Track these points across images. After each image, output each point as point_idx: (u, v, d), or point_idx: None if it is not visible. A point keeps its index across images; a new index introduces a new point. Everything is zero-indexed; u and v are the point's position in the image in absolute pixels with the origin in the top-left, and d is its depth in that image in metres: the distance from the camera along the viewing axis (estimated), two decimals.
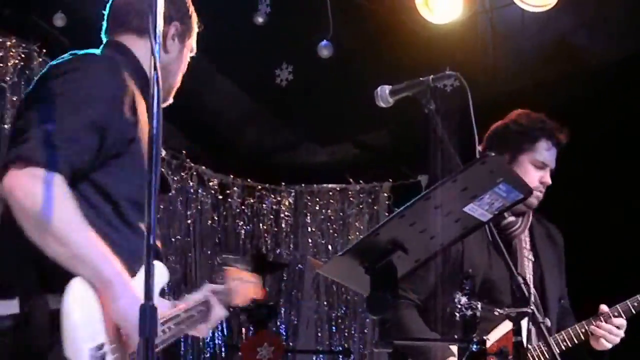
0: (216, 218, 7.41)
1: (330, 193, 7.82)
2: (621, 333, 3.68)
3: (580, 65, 5.71)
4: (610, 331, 3.64)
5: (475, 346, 2.43)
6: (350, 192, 7.82)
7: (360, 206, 7.77)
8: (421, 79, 2.82)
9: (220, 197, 7.42)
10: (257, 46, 5.84)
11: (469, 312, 2.48)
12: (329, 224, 7.81)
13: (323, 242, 7.81)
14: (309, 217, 7.83)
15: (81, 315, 2.23)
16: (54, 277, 2.25)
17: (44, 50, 5.77)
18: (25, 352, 2.24)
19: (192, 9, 2.87)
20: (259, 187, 7.74)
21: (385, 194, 7.56)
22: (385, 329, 2.26)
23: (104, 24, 2.78)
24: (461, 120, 3.27)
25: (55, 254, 2.25)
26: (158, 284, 2.45)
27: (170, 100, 2.85)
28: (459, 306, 2.48)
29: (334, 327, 7.73)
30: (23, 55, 5.74)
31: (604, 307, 3.69)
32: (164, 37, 2.71)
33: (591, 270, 5.22)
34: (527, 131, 3.73)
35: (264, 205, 7.78)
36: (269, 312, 7.13)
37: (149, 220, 1.88)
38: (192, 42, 2.88)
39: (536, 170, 3.70)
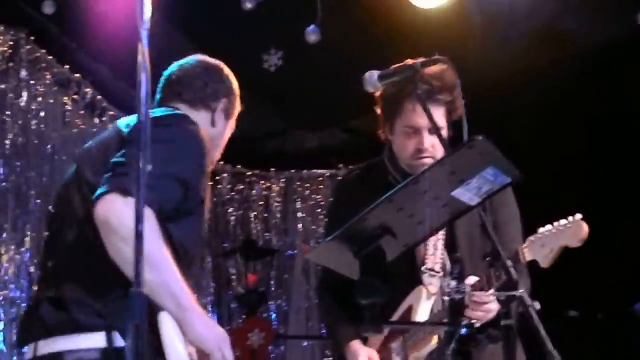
0: None
1: (320, 179, 7.82)
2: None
3: (568, 50, 5.72)
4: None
5: (464, 330, 2.44)
6: (339, 178, 7.82)
7: None
8: (409, 63, 2.81)
9: (210, 183, 7.39)
10: (245, 31, 5.82)
11: (458, 296, 2.48)
12: (319, 209, 7.81)
13: (313, 227, 7.81)
14: (299, 203, 7.83)
15: (182, 344, 2.41)
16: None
17: (32, 38, 5.75)
18: None
19: (237, 88, 3.03)
20: (249, 173, 7.74)
21: None
22: (373, 314, 2.26)
23: (158, 92, 2.95)
24: None
25: (145, 280, 2.35)
26: None
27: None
28: (448, 290, 2.49)
29: None
30: (11, 43, 5.71)
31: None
32: (213, 111, 2.92)
33: None
34: (390, 96, 3.24)
35: (254, 192, 7.78)
36: (259, 298, 7.14)
37: (137, 207, 1.91)
38: (233, 120, 3.03)
39: (409, 138, 3.25)
